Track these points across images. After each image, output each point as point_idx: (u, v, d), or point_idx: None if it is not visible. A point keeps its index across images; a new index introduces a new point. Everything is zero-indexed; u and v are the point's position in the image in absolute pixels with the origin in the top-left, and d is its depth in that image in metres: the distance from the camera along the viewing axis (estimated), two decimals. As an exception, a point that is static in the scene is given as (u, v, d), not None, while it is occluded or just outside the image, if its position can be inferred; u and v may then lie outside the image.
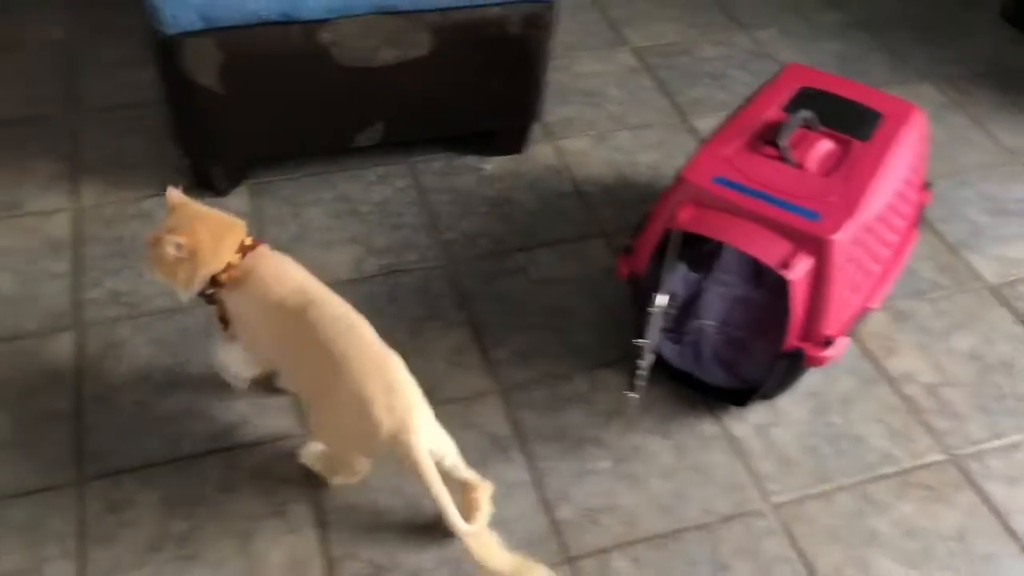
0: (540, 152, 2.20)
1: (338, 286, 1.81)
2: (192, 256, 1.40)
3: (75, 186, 2.04)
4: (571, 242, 1.99)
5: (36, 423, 1.59)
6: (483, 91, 2.00)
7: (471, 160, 2.17)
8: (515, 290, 1.87)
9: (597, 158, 2.20)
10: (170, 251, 1.39)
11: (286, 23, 1.77)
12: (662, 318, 1.49)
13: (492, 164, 2.16)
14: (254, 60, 1.81)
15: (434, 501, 1.32)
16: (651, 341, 1.47)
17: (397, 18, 1.83)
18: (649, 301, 1.51)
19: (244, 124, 1.91)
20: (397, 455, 1.33)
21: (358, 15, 1.80)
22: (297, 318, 1.39)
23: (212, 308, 1.49)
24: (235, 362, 1.59)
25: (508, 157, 2.18)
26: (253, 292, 1.42)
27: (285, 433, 1.59)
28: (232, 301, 1.45)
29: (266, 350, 1.49)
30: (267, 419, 1.61)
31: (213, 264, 1.41)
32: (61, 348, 1.71)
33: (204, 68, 1.78)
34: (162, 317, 1.77)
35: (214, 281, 1.42)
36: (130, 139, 2.16)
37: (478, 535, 1.35)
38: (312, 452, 1.53)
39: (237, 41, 1.77)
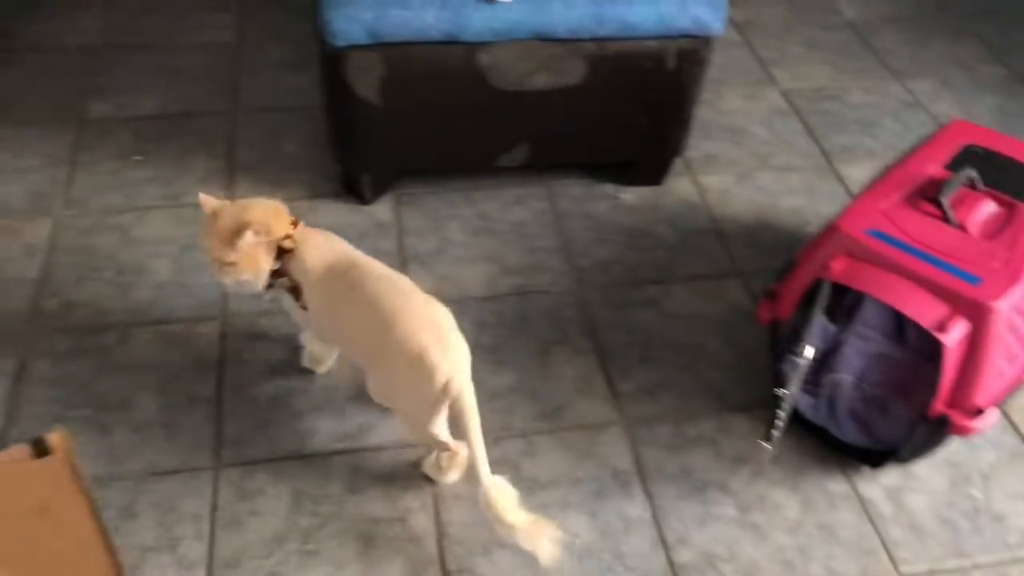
0: (680, 186, 2.19)
1: (470, 301, 1.87)
2: (268, 235, 1.48)
3: (230, 182, 2.14)
4: (706, 279, 1.96)
5: (179, 406, 1.67)
6: (630, 122, 2.01)
7: (609, 188, 2.17)
8: (646, 323, 1.86)
9: (738, 197, 2.17)
10: (250, 240, 1.46)
11: (448, 43, 1.82)
12: (805, 370, 1.45)
13: (630, 194, 2.16)
14: (413, 76, 1.86)
15: (470, 446, 1.40)
16: (792, 392, 1.44)
17: (554, 45, 1.85)
18: (790, 349, 1.47)
19: (396, 137, 1.97)
20: (450, 400, 1.40)
21: (518, 40, 1.83)
22: (345, 281, 1.47)
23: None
24: (316, 345, 1.67)
25: (647, 188, 2.17)
26: (306, 261, 1.50)
27: (411, 441, 1.62)
28: (293, 272, 1.52)
29: (320, 320, 1.55)
30: (393, 424, 1.65)
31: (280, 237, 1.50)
32: (207, 336, 1.79)
33: (365, 80, 1.85)
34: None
35: (280, 254, 1.50)
36: (284, 141, 2.26)
37: (500, 488, 1.39)
38: (430, 460, 1.57)
39: (399, 57, 1.83)
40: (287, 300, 1.57)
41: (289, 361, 1.74)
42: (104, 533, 0.93)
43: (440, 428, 1.48)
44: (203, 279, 1.90)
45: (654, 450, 1.64)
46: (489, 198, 2.13)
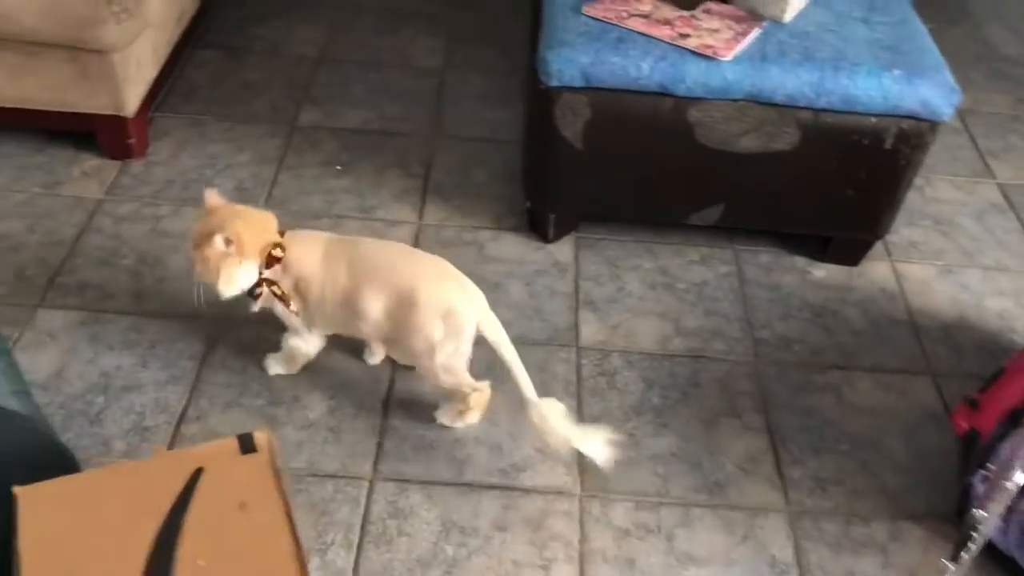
0: (876, 269, 2.08)
1: (640, 357, 1.83)
2: (241, 250, 1.51)
3: (422, 203, 2.19)
4: (894, 373, 1.85)
5: (347, 413, 1.70)
6: (835, 196, 1.92)
7: (800, 261, 2.09)
8: (824, 409, 1.77)
9: (939, 291, 2.04)
10: (219, 247, 1.50)
11: (660, 94, 1.80)
12: (1012, 496, 1.33)
13: (823, 271, 2.06)
14: (619, 123, 1.85)
15: (513, 374, 1.54)
16: (993, 516, 1.32)
17: (769, 109, 1.80)
18: (986, 466, 1.36)
19: (591, 181, 1.96)
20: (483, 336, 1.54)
21: (731, 99, 1.80)
22: (346, 263, 1.56)
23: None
24: (303, 343, 1.72)
25: (841, 267, 2.07)
26: (302, 258, 1.57)
27: (563, 489, 1.59)
28: (288, 278, 1.58)
29: (326, 311, 1.60)
30: (550, 470, 1.62)
31: (256, 253, 1.54)
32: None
33: (571, 122, 1.85)
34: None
35: (270, 262, 1.55)
36: (476, 170, 2.30)
37: (550, 403, 1.52)
38: (444, 409, 1.68)
39: (609, 103, 1.82)
40: (279, 308, 1.62)
41: (455, 387, 1.75)
42: (296, 537, 0.95)
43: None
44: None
45: (818, 546, 1.54)
46: (672, 253, 2.09)
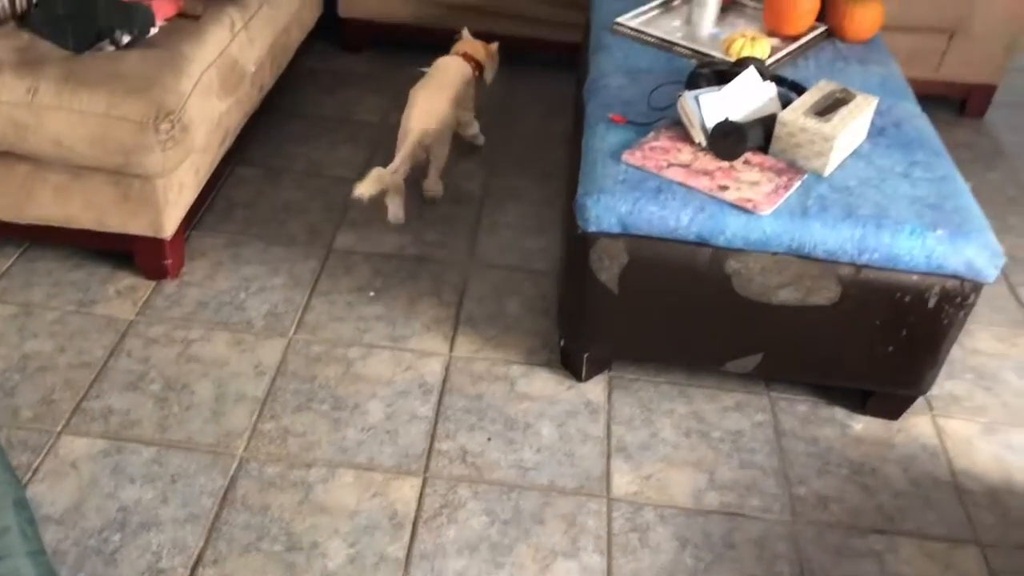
0: (917, 425, 2.02)
1: (674, 512, 1.78)
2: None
3: (453, 333, 2.17)
4: (938, 541, 1.77)
5: (368, 562, 1.65)
6: (875, 352, 1.88)
7: (839, 413, 2.03)
8: (865, 578, 1.69)
9: (983, 451, 1.97)
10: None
11: (698, 244, 1.79)
12: None
13: (861, 424, 2.01)
14: (656, 270, 1.84)
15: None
16: None
17: (809, 263, 1.78)
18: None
19: (626, 325, 1.94)
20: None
21: (770, 252, 1.78)
22: None
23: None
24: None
25: (880, 421, 2.01)
26: None
27: None
28: None
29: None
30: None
31: None
32: (405, 492, 1.78)
33: (608, 267, 1.84)
34: (501, 491, 1.79)
35: None
36: (509, 301, 2.28)
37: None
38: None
39: (646, 249, 1.81)
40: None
41: (484, 536, 1.70)
42: None
43: None
44: (413, 430, 1.91)
45: None
46: (707, 398, 2.05)
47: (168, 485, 1.75)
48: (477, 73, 2.65)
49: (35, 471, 1.76)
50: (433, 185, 2.59)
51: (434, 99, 2.44)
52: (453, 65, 2.58)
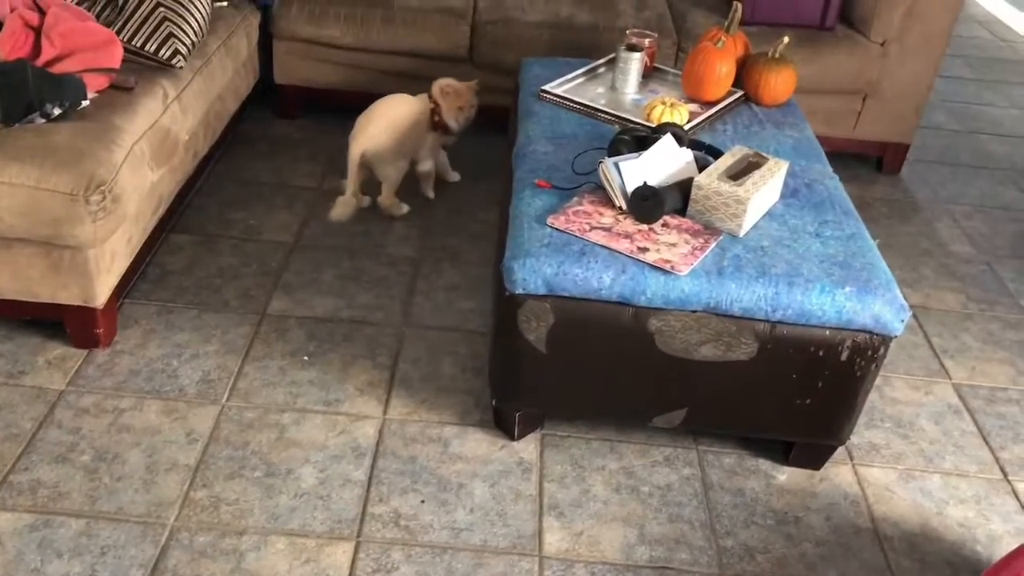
0: (838, 474, 2.09)
1: (605, 568, 1.80)
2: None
3: (387, 395, 2.20)
4: (859, 588, 1.83)
5: (299, 629, 1.64)
6: (794, 404, 1.95)
7: (764, 464, 2.09)
8: (790, 628, 1.73)
9: (901, 498, 2.04)
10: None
11: (621, 304, 1.85)
12: None
13: (785, 475, 2.07)
14: (582, 329, 1.89)
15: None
16: None
17: (727, 320, 1.86)
18: None
19: (556, 383, 1.98)
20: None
21: (691, 311, 1.85)
22: None
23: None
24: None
25: (804, 471, 2.08)
26: None
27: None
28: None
29: None
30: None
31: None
32: (338, 557, 1.79)
33: (535, 327, 1.89)
34: (434, 553, 1.81)
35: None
36: (443, 362, 2.32)
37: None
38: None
39: (572, 310, 1.87)
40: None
41: (413, 600, 1.71)
42: None
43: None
44: (345, 495, 1.92)
45: None
46: (637, 453, 2.09)
47: (97, 558, 1.73)
48: (437, 114, 2.78)
49: (-42, 549, 1.73)
50: (384, 201, 2.84)
51: (373, 124, 2.70)
52: (399, 100, 2.78)
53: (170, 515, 1.84)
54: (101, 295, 2.15)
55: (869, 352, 1.87)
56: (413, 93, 2.80)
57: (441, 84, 2.79)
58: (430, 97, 2.78)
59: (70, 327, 2.21)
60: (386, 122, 2.71)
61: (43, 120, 2.09)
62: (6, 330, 2.26)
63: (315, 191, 2.97)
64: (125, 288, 2.37)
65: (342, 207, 2.72)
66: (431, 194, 2.98)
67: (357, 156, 2.69)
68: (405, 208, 2.87)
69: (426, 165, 2.91)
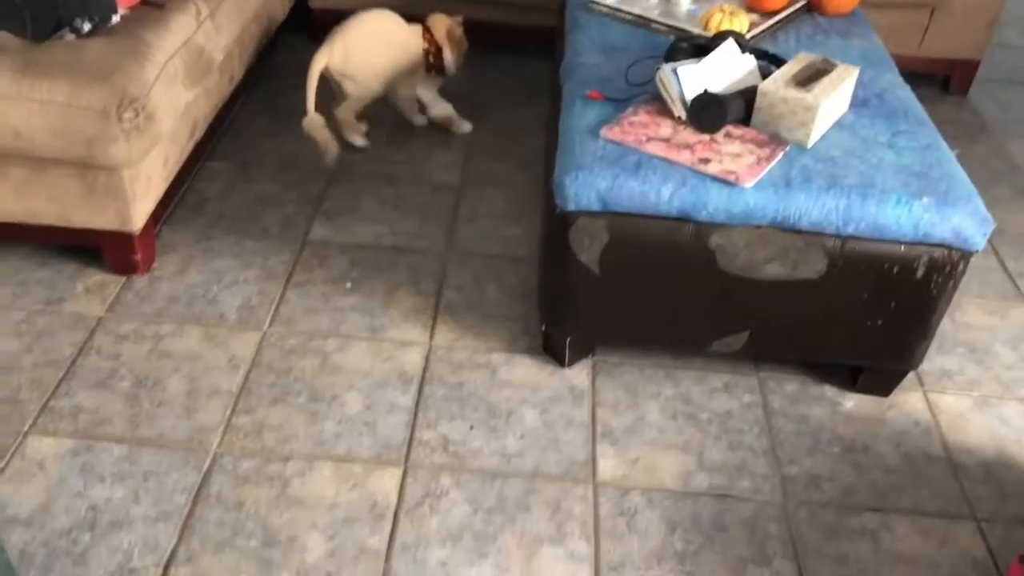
0: (908, 401, 1.97)
1: (662, 495, 1.73)
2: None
3: (433, 323, 2.12)
4: (934, 517, 1.72)
5: (348, 556, 1.59)
6: (864, 327, 1.84)
7: (829, 391, 1.99)
8: (860, 557, 1.64)
9: (976, 425, 1.93)
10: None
11: (680, 219, 1.74)
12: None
13: (852, 402, 1.96)
14: (638, 248, 1.79)
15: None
16: None
17: (794, 236, 1.74)
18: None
19: (609, 307, 1.88)
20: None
21: (754, 226, 1.73)
22: None
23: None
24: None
25: (871, 398, 1.97)
26: None
27: None
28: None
29: None
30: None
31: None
32: (385, 483, 1.73)
33: (589, 247, 1.79)
34: (485, 479, 1.74)
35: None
36: (489, 288, 2.23)
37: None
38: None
39: (627, 228, 1.76)
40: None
41: (466, 524, 1.64)
42: None
43: None
44: (392, 421, 1.85)
45: None
46: (694, 380, 2.00)
47: (139, 483, 1.69)
48: (432, 52, 2.59)
49: (1, 473, 1.69)
50: (341, 115, 2.62)
51: (348, 38, 2.49)
52: (389, 19, 2.55)
53: (213, 440, 1.78)
54: (138, 220, 2.09)
55: (947, 268, 1.74)
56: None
57: (448, 26, 2.60)
58: (427, 32, 2.59)
59: (108, 253, 2.16)
60: (374, 41, 2.50)
61: (73, 36, 2.01)
62: (43, 256, 2.21)
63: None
64: (163, 215, 2.31)
65: (313, 130, 2.48)
66: (418, 121, 2.80)
67: (317, 68, 2.47)
68: (363, 129, 2.68)
69: (438, 109, 2.76)
